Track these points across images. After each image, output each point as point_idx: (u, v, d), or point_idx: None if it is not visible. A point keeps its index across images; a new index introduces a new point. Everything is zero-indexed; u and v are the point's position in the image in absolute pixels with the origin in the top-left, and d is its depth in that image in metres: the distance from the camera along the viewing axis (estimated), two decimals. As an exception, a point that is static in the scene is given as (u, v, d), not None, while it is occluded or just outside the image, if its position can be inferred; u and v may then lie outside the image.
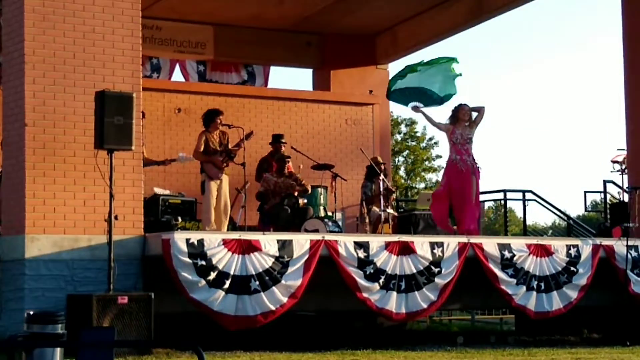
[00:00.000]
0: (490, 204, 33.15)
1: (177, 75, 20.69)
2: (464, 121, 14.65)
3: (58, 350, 8.99)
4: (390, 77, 16.93)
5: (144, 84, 12.93)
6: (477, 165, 14.59)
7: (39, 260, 11.80)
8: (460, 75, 14.92)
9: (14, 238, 12.02)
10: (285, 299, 12.24)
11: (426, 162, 43.30)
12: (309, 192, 15.66)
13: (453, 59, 14.91)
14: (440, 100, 14.99)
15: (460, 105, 14.77)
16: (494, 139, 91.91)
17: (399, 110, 53.08)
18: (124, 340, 10.80)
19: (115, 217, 11.55)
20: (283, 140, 16.49)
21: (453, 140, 14.57)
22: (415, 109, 15.04)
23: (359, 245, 12.82)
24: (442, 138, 43.62)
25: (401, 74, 14.96)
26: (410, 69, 14.86)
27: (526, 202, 19.54)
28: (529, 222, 21.66)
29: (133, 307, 11.22)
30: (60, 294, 11.65)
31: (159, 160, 15.86)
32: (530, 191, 19.68)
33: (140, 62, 12.78)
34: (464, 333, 16.15)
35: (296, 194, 15.50)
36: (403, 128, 43.29)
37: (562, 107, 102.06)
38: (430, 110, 15.06)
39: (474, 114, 14.77)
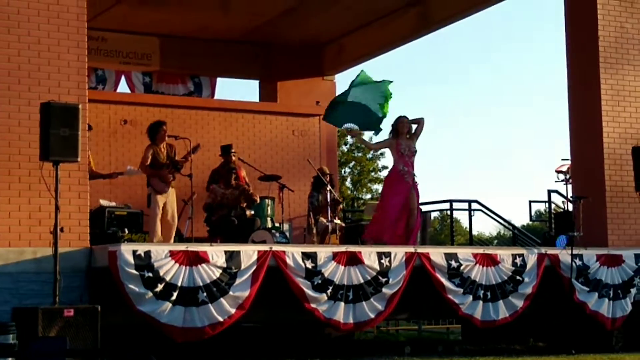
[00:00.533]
0: (436, 214, 33.39)
1: (123, 87, 20.60)
2: (404, 134, 14.68)
3: (10, 360, 8.95)
4: (335, 96, 17.00)
5: (89, 96, 12.83)
6: (416, 180, 14.68)
7: (-16, 273, 11.66)
8: (391, 97, 14.99)
9: (-42, 251, 11.87)
10: (233, 310, 12.20)
11: (372, 173, 43.39)
12: (258, 202, 15.65)
13: (389, 81, 14.94)
14: (378, 121, 14.95)
15: (399, 118, 14.78)
16: (438, 149, 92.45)
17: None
18: (78, 349, 10.72)
19: (61, 230, 11.44)
20: (233, 151, 16.46)
21: (400, 151, 14.59)
22: (349, 131, 15.13)
23: (306, 255, 12.83)
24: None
25: (340, 99, 15.05)
26: (346, 94, 14.92)
27: (472, 212, 19.68)
28: (474, 232, 21.85)
29: (79, 319, 11.11)
30: (6, 307, 11.50)
31: (106, 173, 15.74)
32: (476, 201, 19.85)
33: (86, 73, 12.70)
34: (412, 342, 16.23)
35: (244, 205, 15.48)
36: (349, 139, 43.35)
37: (507, 117, 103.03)
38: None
39: (414, 126, 14.82)
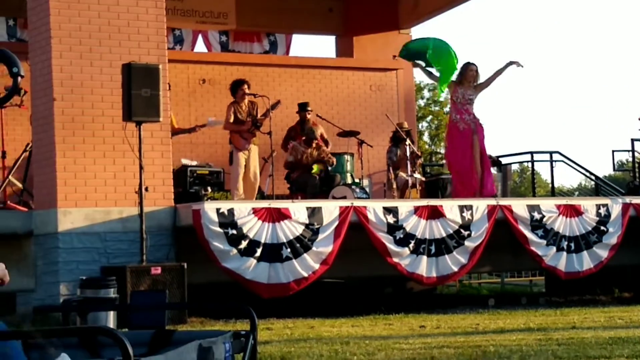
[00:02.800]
0: (516, 166, 33.06)
1: (200, 47, 20.67)
2: (469, 81, 14.56)
3: (111, 313, 9.18)
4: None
5: (168, 56, 12.95)
6: (480, 122, 14.53)
7: (72, 234, 11.90)
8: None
9: (46, 212, 12.12)
10: (317, 266, 12.30)
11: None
12: (334, 164, 15.65)
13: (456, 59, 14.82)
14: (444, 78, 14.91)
15: (467, 64, 14.66)
16: (520, 100, 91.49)
17: (421, 75, 52.81)
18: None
19: (146, 189, 11.62)
20: (309, 109, 16.46)
21: (454, 99, 14.53)
22: (415, 64, 15.21)
23: (388, 210, 12.84)
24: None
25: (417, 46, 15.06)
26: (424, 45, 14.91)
27: (553, 163, 19.46)
28: (555, 184, 21.58)
29: (166, 277, 11.30)
30: (94, 266, 11.74)
31: (188, 127, 15.88)
32: (558, 152, 19.61)
33: (164, 33, 12.81)
34: (495, 296, 16.16)
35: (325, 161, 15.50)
36: (426, 93, 43.17)
37: (589, 66, 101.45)
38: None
39: (482, 79, 14.67)
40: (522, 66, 14.43)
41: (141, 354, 3.39)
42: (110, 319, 9.30)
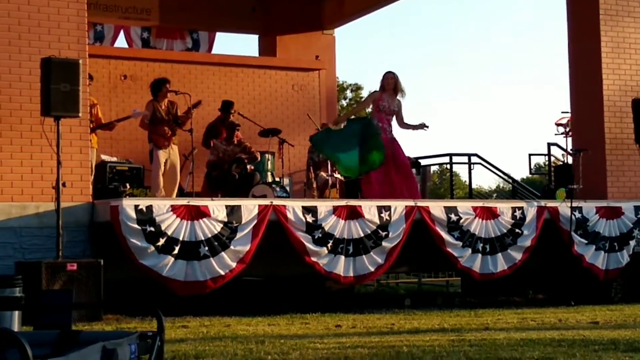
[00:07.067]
0: (436, 168, 33.41)
1: (121, 42, 20.56)
2: (389, 90, 14.61)
3: (16, 313, 9.06)
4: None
5: (89, 51, 12.84)
6: (393, 136, 14.56)
7: (-13, 228, 11.75)
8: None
9: (-39, 206, 11.94)
10: (234, 264, 12.30)
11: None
12: (258, 160, 15.68)
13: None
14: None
15: (386, 73, 14.71)
16: (438, 102, 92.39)
17: (344, 75, 53.09)
18: (83, 302, 10.82)
19: (63, 184, 11.51)
20: (232, 110, 16.42)
21: (379, 107, 14.50)
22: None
23: (307, 209, 12.90)
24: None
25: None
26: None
27: (471, 165, 19.70)
28: (474, 185, 21.86)
29: (82, 273, 11.22)
30: (9, 261, 11.61)
31: (106, 122, 15.72)
32: (476, 154, 19.86)
33: (85, 28, 12.70)
34: (411, 295, 16.33)
35: (245, 160, 15.52)
36: (349, 93, 43.39)
37: (507, 70, 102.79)
38: None
39: (400, 87, 14.69)
40: (427, 128, 14.57)
41: (45, 355, 3.38)
42: (15, 319, 9.15)
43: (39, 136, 11.73)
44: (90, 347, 3.35)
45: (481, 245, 13.94)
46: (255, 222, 12.50)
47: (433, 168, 23.61)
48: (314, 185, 16.26)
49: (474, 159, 19.76)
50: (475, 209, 14.04)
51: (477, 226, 13.96)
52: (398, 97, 14.59)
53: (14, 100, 12.07)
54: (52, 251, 11.50)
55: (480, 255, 13.93)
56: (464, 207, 14.05)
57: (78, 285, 11.11)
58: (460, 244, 13.80)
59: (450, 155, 20.10)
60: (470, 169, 19.74)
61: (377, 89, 14.83)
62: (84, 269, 11.25)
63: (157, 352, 3.80)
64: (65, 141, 11.76)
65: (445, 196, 30.55)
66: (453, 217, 13.79)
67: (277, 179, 15.99)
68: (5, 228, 11.84)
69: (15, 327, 8.91)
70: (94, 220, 12.30)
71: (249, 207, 12.55)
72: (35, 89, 11.73)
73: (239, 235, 12.37)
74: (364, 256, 13.21)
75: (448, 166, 21.11)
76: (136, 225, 11.76)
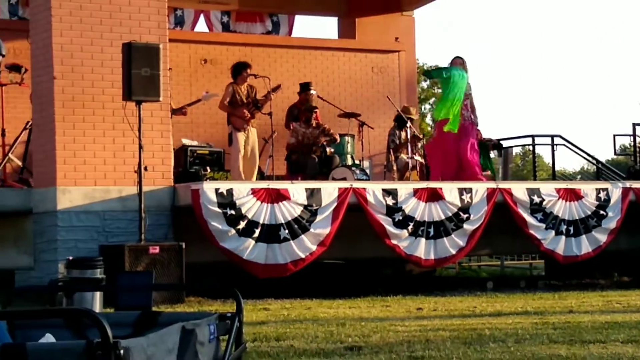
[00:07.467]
0: (518, 149, 33.05)
1: (201, 27, 20.62)
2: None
3: (98, 294, 9.18)
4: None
5: (169, 36, 12.93)
6: (474, 120, 14.42)
7: (71, 212, 11.92)
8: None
9: (46, 190, 12.13)
10: (314, 247, 12.31)
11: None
12: (338, 141, 15.64)
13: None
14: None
15: (454, 58, 14.57)
16: (522, 84, 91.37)
17: (425, 57, 52.85)
18: (165, 284, 10.95)
19: (145, 168, 11.62)
20: (311, 88, 16.40)
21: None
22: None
23: (387, 192, 12.84)
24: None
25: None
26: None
27: (555, 146, 19.42)
28: (557, 167, 21.56)
29: (164, 256, 11.33)
30: (93, 244, 11.77)
31: (177, 107, 15.75)
32: (559, 135, 19.57)
33: (166, 13, 12.79)
34: (494, 278, 16.18)
35: (324, 142, 15.49)
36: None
37: (592, 50, 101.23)
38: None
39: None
40: None
41: (125, 335, 3.40)
42: (97, 300, 9.27)
43: (121, 120, 11.84)
44: (170, 328, 3.37)
45: (565, 227, 13.76)
46: (335, 204, 12.49)
47: (515, 150, 23.36)
48: (394, 168, 16.17)
49: (557, 140, 19.46)
50: (558, 190, 13.86)
51: (561, 208, 13.78)
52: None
53: (96, 86, 12.20)
54: (135, 234, 11.62)
55: (563, 237, 13.76)
56: (547, 188, 13.87)
57: (160, 268, 11.22)
58: (544, 226, 13.64)
59: (533, 136, 19.82)
60: (553, 151, 19.44)
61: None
62: (166, 252, 11.36)
63: (236, 333, 3.81)
64: (146, 125, 11.86)
65: (528, 178, 30.24)
66: (536, 198, 13.63)
67: (357, 162, 15.94)
68: (89, 212, 11.99)
69: (97, 309, 9.03)
70: (175, 204, 12.39)
71: (329, 190, 12.53)
72: (117, 73, 11.83)
73: (319, 218, 12.37)
74: (444, 239, 13.13)
75: (530, 148, 20.84)
76: (217, 209, 11.82)
